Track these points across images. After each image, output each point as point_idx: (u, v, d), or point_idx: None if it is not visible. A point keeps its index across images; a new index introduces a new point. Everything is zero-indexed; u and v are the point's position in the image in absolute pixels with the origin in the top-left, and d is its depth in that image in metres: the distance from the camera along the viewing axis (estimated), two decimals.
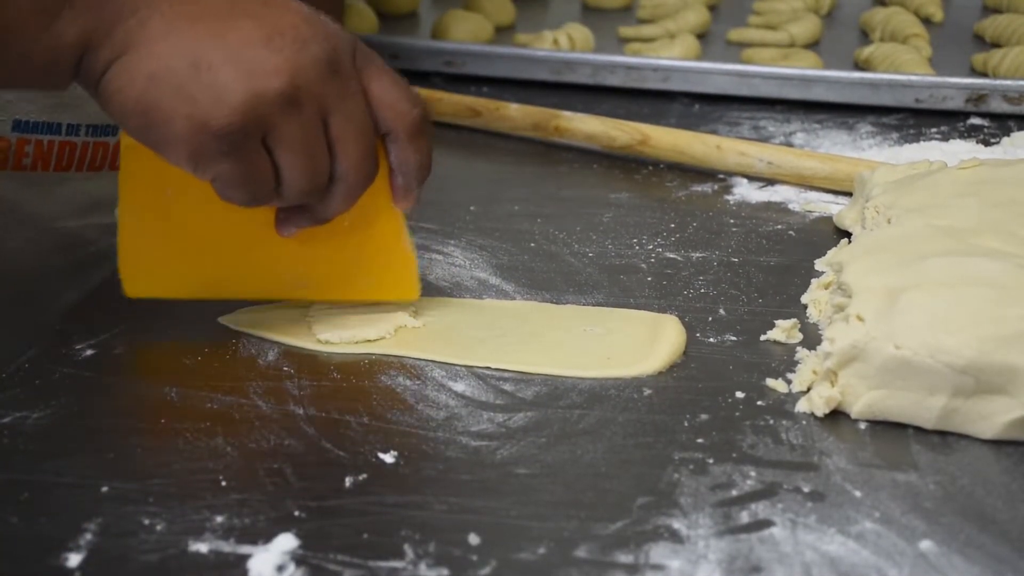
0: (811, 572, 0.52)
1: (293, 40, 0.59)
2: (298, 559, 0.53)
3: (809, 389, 0.65)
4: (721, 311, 0.74)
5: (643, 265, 0.80)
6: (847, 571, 0.52)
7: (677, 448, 0.60)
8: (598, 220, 0.87)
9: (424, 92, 1.08)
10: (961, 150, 0.99)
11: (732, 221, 0.87)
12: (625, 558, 0.53)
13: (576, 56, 1.17)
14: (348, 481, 0.58)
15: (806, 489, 0.57)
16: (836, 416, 0.63)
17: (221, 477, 0.58)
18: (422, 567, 0.52)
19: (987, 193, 0.74)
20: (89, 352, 0.69)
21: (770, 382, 0.66)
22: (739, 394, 0.65)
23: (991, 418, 0.60)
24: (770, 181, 0.94)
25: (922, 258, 0.66)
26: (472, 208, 0.90)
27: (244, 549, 0.53)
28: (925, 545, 0.53)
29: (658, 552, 0.53)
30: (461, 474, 0.59)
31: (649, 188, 0.95)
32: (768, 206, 0.90)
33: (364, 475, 0.58)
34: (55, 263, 0.79)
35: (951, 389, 0.60)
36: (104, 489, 0.57)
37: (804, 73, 1.11)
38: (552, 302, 0.75)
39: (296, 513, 0.56)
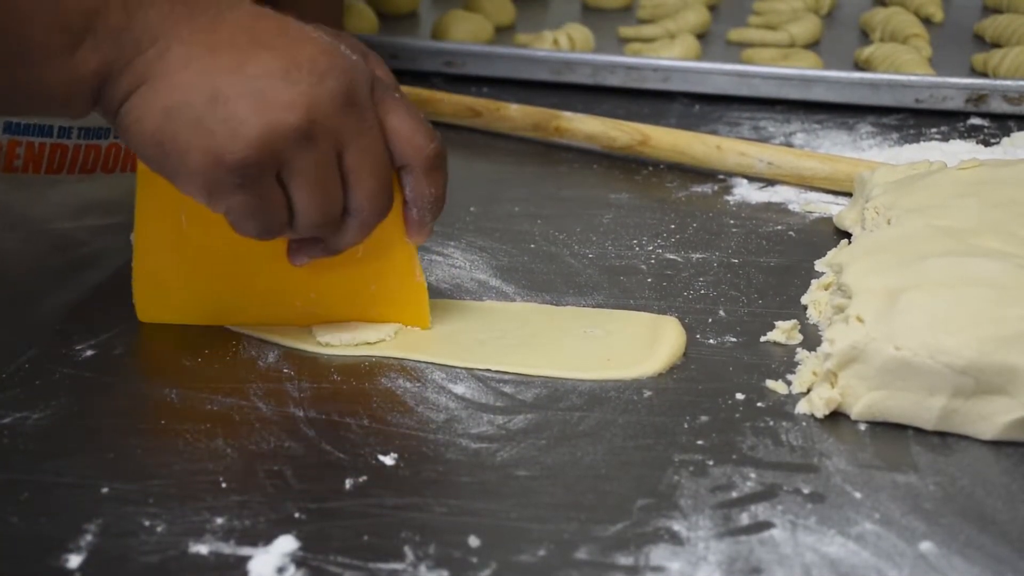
0: (811, 573, 0.52)
1: (310, 73, 0.59)
2: (298, 561, 0.53)
3: (809, 390, 0.65)
4: (721, 312, 0.74)
5: (643, 266, 0.80)
6: (847, 572, 0.52)
7: (677, 450, 0.60)
8: (598, 221, 0.87)
9: (424, 92, 1.09)
10: (961, 150, 0.99)
11: (732, 222, 0.87)
12: (625, 560, 0.53)
13: (576, 56, 1.17)
14: (348, 483, 0.58)
15: (806, 491, 0.57)
16: (836, 417, 0.63)
17: (221, 478, 0.58)
18: (422, 569, 0.52)
19: (987, 193, 0.74)
20: (89, 352, 0.69)
21: (770, 383, 0.66)
22: (739, 396, 0.65)
23: (991, 419, 0.60)
24: (770, 182, 0.94)
25: (922, 259, 0.66)
26: (472, 209, 0.90)
27: (244, 551, 0.53)
28: (925, 546, 0.53)
29: (658, 554, 0.53)
30: (461, 476, 0.59)
31: (649, 189, 0.95)
32: (768, 207, 0.90)
33: (364, 477, 0.58)
34: (48, 264, 0.79)
35: (951, 390, 0.60)
36: (104, 489, 0.57)
37: (804, 73, 1.11)
38: (552, 304, 0.75)
39: (296, 515, 0.56)
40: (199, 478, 0.58)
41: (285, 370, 0.68)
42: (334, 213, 0.62)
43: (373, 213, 0.63)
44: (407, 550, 0.53)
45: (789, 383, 0.66)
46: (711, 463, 0.59)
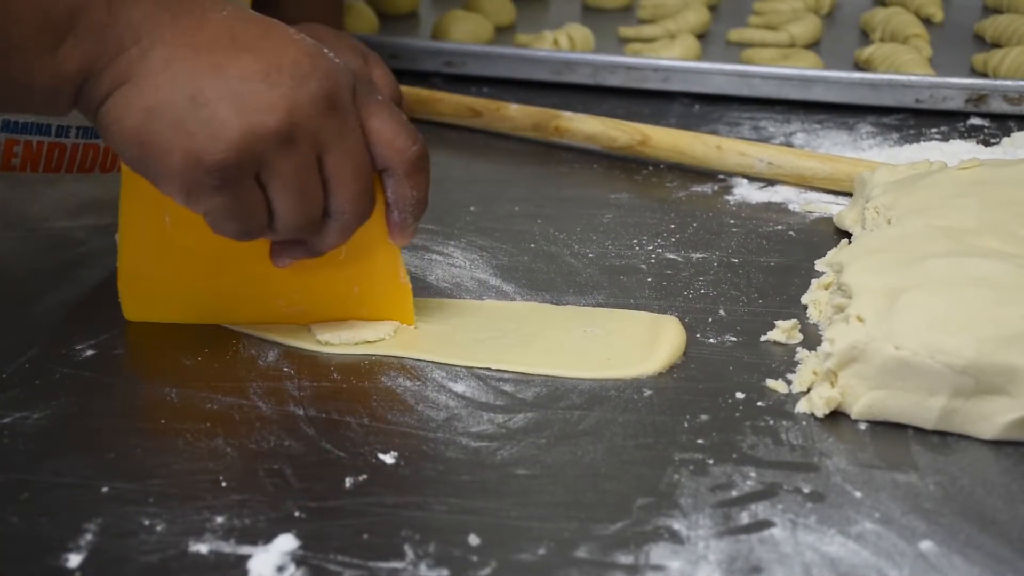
0: (811, 573, 0.52)
1: (291, 76, 0.59)
2: (298, 560, 0.53)
3: (809, 390, 0.65)
4: (721, 312, 0.74)
5: (643, 266, 0.80)
6: (847, 572, 0.52)
7: (677, 449, 0.60)
8: (598, 221, 0.87)
9: (424, 92, 1.09)
10: (961, 150, 0.99)
11: (732, 222, 0.87)
12: (625, 559, 0.53)
13: (576, 56, 1.17)
14: (348, 482, 0.58)
15: (806, 490, 0.57)
16: (836, 417, 0.63)
17: (221, 478, 0.58)
18: (422, 568, 0.52)
19: (987, 193, 0.74)
20: (89, 352, 0.69)
21: (770, 383, 0.66)
22: (739, 395, 0.65)
23: (991, 418, 0.60)
24: (770, 181, 0.94)
25: (922, 258, 0.66)
26: (472, 208, 0.90)
27: (244, 550, 0.53)
28: (925, 545, 0.53)
29: (658, 553, 0.53)
30: (461, 475, 0.59)
31: (649, 189, 0.95)
32: (768, 206, 0.90)
33: (364, 476, 0.58)
34: (46, 263, 0.79)
35: (951, 390, 0.60)
36: (104, 489, 0.57)
37: (804, 73, 1.11)
38: (552, 303, 0.75)
39: (296, 514, 0.56)
40: (199, 477, 0.58)
41: (285, 369, 0.68)
42: (314, 216, 0.62)
43: (354, 216, 0.63)
44: (407, 549, 0.53)
45: (789, 382, 0.66)
46: (711, 462, 0.59)
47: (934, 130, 1.05)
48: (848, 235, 0.83)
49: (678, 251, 0.82)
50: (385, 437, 0.62)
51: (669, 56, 1.19)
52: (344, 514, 0.56)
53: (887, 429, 0.62)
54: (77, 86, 0.59)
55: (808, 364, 0.66)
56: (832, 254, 0.79)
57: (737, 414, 0.63)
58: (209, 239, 0.63)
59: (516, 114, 1.04)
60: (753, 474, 0.58)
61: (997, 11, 1.36)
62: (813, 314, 0.73)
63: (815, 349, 0.68)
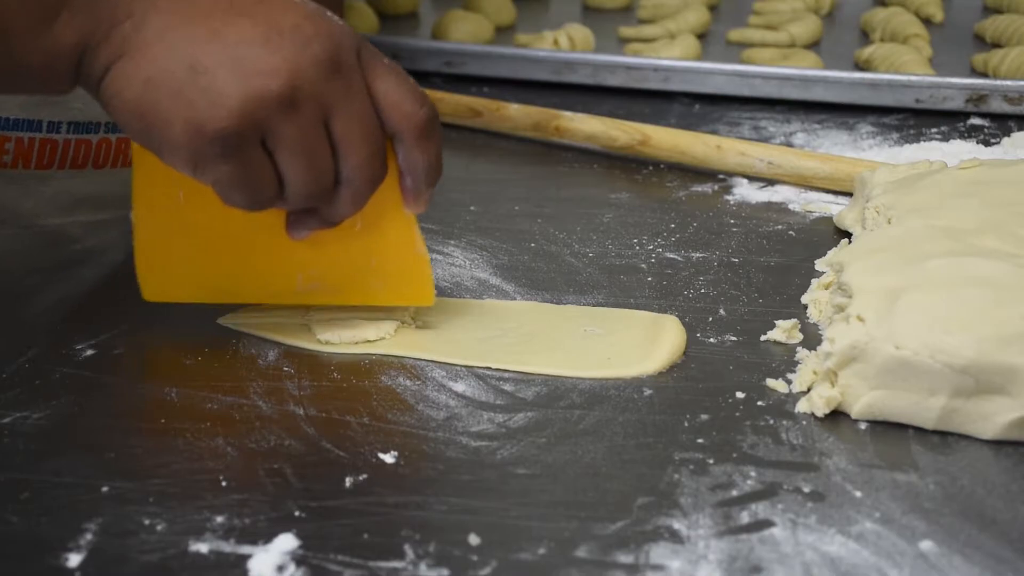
0: (811, 572, 0.52)
1: (292, 39, 0.58)
2: (298, 559, 0.53)
3: (809, 389, 0.65)
4: (721, 311, 0.74)
5: (643, 265, 0.80)
6: (847, 571, 0.52)
7: (677, 448, 0.60)
8: (598, 220, 0.87)
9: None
10: (961, 150, 0.99)
11: (732, 221, 0.87)
12: (625, 558, 0.53)
13: (576, 56, 1.17)
14: (348, 481, 0.58)
15: (806, 489, 0.57)
16: (836, 416, 0.63)
17: (221, 477, 0.58)
18: (422, 567, 0.52)
19: (987, 193, 0.74)
20: (89, 352, 0.69)
21: (770, 382, 0.66)
22: (739, 394, 0.65)
23: (991, 418, 0.60)
24: (770, 181, 0.94)
25: (922, 258, 0.66)
26: (472, 208, 0.90)
27: (244, 549, 0.53)
28: (925, 545, 0.53)
29: (658, 552, 0.53)
30: (461, 474, 0.59)
31: (649, 188, 0.95)
32: (768, 206, 0.90)
33: (364, 475, 0.58)
34: (42, 261, 0.79)
35: (951, 389, 0.60)
36: (104, 489, 0.57)
37: (804, 73, 1.11)
38: (552, 302, 0.75)
39: (296, 513, 0.56)
40: (199, 477, 0.58)
41: (285, 368, 0.68)
42: (325, 182, 0.61)
43: (366, 182, 0.62)
44: (407, 548, 0.53)
45: (789, 382, 0.66)
46: (711, 461, 0.59)
47: (934, 130, 1.05)
48: (848, 235, 0.83)
49: (678, 251, 0.82)
50: (385, 436, 0.61)
51: (669, 56, 1.19)
52: (344, 514, 0.56)
53: (887, 429, 0.62)
54: (74, 62, 0.59)
55: (808, 364, 0.66)
56: (832, 254, 0.79)
57: (737, 414, 0.63)
58: (224, 214, 0.63)
59: (516, 114, 1.04)
60: (753, 474, 0.58)
61: (997, 11, 1.36)
62: (813, 314, 0.73)
63: (815, 349, 0.68)
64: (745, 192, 0.93)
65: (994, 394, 0.60)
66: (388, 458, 0.60)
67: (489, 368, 0.68)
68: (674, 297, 0.76)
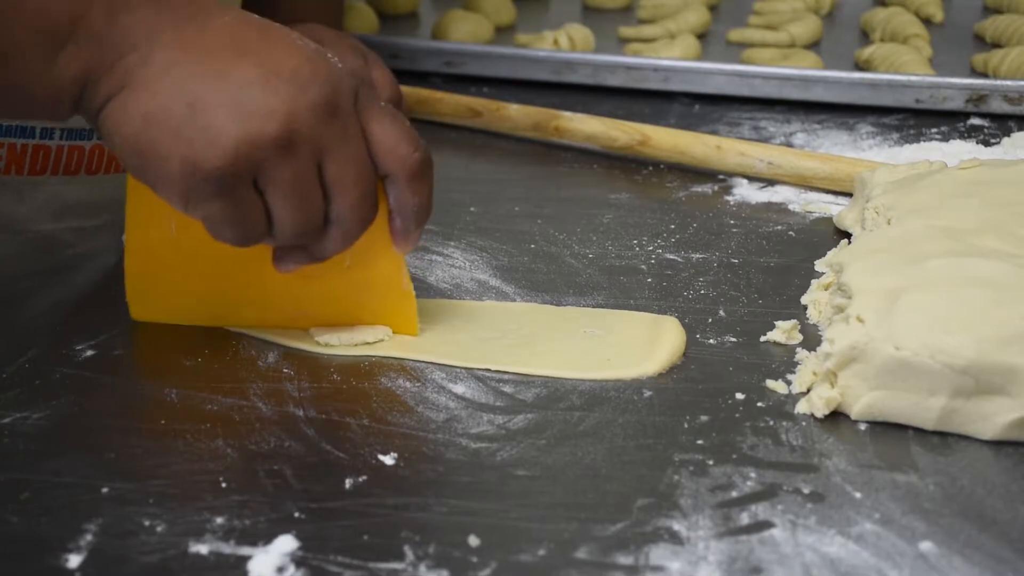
0: (811, 573, 0.52)
1: (291, 82, 0.58)
2: (298, 560, 0.53)
3: (809, 390, 0.65)
4: (721, 312, 0.74)
5: (643, 266, 0.80)
6: (847, 572, 0.52)
7: (677, 449, 0.60)
8: (598, 221, 0.87)
9: (424, 92, 1.09)
10: (961, 150, 0.99)
11: (732, 222, 0.87)
12: (625, 559, 0.53)
13: (576, 56, 1.17)
14: (348, 483, 0.58)
15: (806, 490, 0.57)
16: (836, 417, 0.63)
17: (221, 478, 0.58)
18: (422, 569, 0.52)
19: (987, 193, 0.74)
20: (89, 352, 0.70)
21: (770, 383, 0.66)
22: (739, 395, 0.65)
23: (991, 419, 0.61)
24: (770, 182, 0.94)
25: (922, 259, 0.66)
26: (472, 208, 0.90)
27: (244, 550, 0.53)
28: (925, 546, 0.53)
29: (658, 553, 0.53)
30: (461, 476, 0.59)
31: (649, 189, 0.95)
32: (768, 207, 0.90)
33: (364, 477, 0.58)
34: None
35: (951, 390, 0.60)
36: (104, 489, 0.57)
37: (804, 73, 1.11)
38: (552, 304, 0.75)
39: (296, 515, 0.56)
40: (199, 478, 0.58)
41: (285, 370, 0.68)
42: (314, 222, 0.62)
43: (356, 223, 0.63)
44: (407, 550, 0.53)
45: (789, 383, 0.66)
46: (711, 463, 0.59)
47: (934, 130, 1.05)
48: (848, 235, 0.83)
49: (678, 251, 0.82)
50: (385, 438, 0.62)
51: (669, 56, 1.19)
52: (344, 515, 0.56)
53: (887, 429, 0.62)
54: (77, 93, 0.59)
55: (808, 364, 0.66)
56: (832, 254, 0.79)
57: (737, 415, 0.63)
58: (214, 245, 0.63)
59: (516, 114, 1.04)
60: (753, 475, 0.58)
61: (997, 11, 1.36)
62: (813, 314, 0.73)
63: (815, 349, 0.68)
64: (745, 192, 0.93)
65: (994, 394, 0.60)
66: (388, 460, 0.60)
67: (489, 370, 0.68)
68: (674, 298, 0.76)
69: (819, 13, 1.38)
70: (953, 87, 1.07)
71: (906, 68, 1.13)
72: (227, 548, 0.54)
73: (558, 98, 1.12)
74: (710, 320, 0.73)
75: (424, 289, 0.77)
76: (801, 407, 0.63)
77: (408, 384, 0.67)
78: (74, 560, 0.53)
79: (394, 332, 0.71)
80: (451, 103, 1.07)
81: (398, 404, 0.65)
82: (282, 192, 0.60)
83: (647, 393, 0.65)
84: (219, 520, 0.55)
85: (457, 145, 1.05)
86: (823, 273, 0.77)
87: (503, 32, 1.33)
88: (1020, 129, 1.04)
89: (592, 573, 0.52)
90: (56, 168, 0.80)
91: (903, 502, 0.56)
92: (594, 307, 0.75)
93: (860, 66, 1.19)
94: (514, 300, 0.76)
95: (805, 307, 0.74)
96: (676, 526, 0.55)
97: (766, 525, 0.55)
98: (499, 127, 1.05)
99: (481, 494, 0.57)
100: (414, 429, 0.62)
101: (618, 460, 0.60)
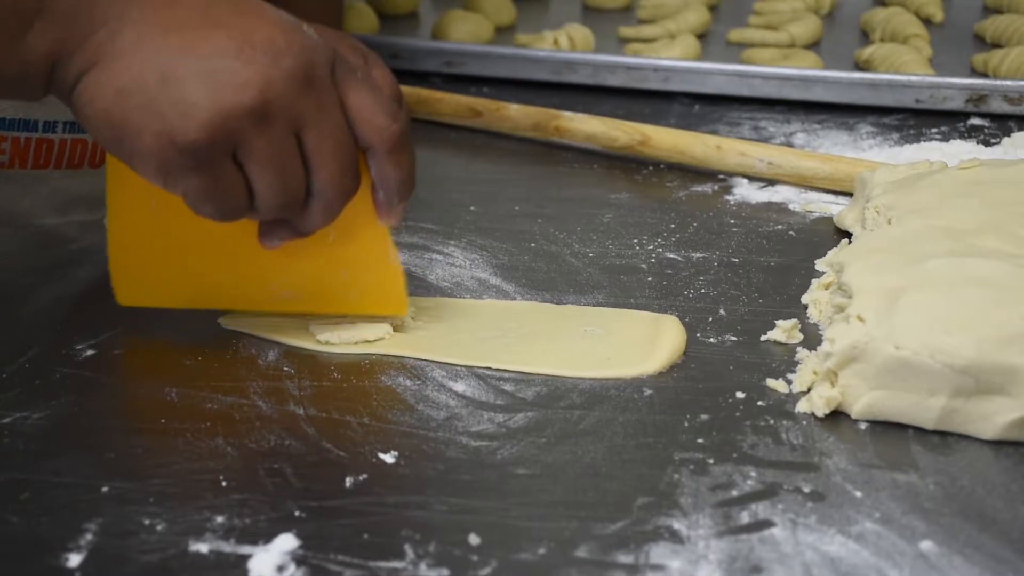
0: (811, 572, 0.52)
1: (265, 52, 0.58)
2: (298, 559, 0.53)
3: (809, 389, 0.65)
4: (721, 311, 0.74)
5: (643, 265, 0.80)
6: (847, 571, 0.52)
7: (677, 448, 0.60)
8: (598, 220, 0.87)
9: (424, 92, 1.09)
10: (961, 150, 0.99)
11: (732, 221, 0.87)
12: (625, 558, 0.53)
13: (576, 56, 1.17)
14: (348, 481, 0.58)
15: (806, 489, 0.57)
16: (836, 416, 0.63)
17: (221, 477, 0.58)
18: (422, 567, 0.52)
19: (987, 193, 0.74)
20: (89, 352, 0.69)
21: (770, 382, 0.66)
22: (739, 394, 0.65)
23: (991, 418, 0.61)
24: (770, 181, 0.94)
25: (922, 259, 0.66)
26: (472, 208, 0.90)
27: (244, 549, 0.53)
28: (925, 545, 0.53)
29: (658, 552, 0.53)
30: (461, 474, 0.59)
31: (649, 188, 0.95)
32: (768, 206, 0.90)
33: (364, 475, 0.58)
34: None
35: (951, 390, 0.60)
36: (104, 489, 0.57)
37: (804, 73, 1.11)
38: (552, 302, 0.75)
39: (296, 513, 0.56)
40: (199, 477, 0.58)
41: (285, 368, 0.68)
42: (295, 195, 0.61)
43: (337, 195, 0.62)
44: (407, 548, 0.53)
45: (789, 382, 0.66)
46: (711, 462, 0.59)
47: (934, 130, 1.05)
48: (848, 235, 0.83)
49: (678, 251, 0.82)
50: (385, 436, 0.62)
51: (669, 56, 1.19)
52: (344, 514, 0.56)
53: (887, 429, 0.62)
54: (47, 71, 0.59)
55: (808, 364, 0.66)
56: (832, 254, 0.79)
57: (737, 414, 0.63)
58: (196, 222, 0.63)
59: (516, 114, 1.04)
60: (753, 474, 0.58)
61: (997, 11, 1.36)
62: (813, 314, 0.73)
63: (815, 349, 0.68)
64: (745, 192, 0.93)
65: (994, 394, 0.60)
66: (388, 458, 0.60)
67: (489, 368, 0.68)
68: (674, 297, 0.76)
69: (819, 13, 1.37)
70: (953, 87, 1.07)
71: (906, 68, 1.13)
72: (227, 547, 0.54)
73: (558, 98, 1.12)
74: (710, 319, 0.73)
75: (424, 287, 0.77)
76: (801, 406, 0.63)
77: (408, 382, 0.67)
78: (74, 560, 0.53)
79: (383, 311, 0.71)
80: (451, 103, 1.07)
81: (398, 402, 0.65)
82: (260, 164, 0.59)
83: (647, 392, 0.65)
84: (219, 519, 0.55)
85: (457, 145, 1.05)
86: (823, 272, 0.77)
87: (503, 32, 1.33)
88: (1020, 129, 1.04)
89: (592, 572, 0.52)
90: (59, 162, 0.80)
91: (903, 501, 0.56)
92: (594, 306, 0.75)
93: (860, 66, 1.19)
94: (515, 299, 0.76)
95: (805, 306, 0.74)
96: (676, 525, 0.55)
97: (766, 524, 0.55)
98: (499, 127, 1.05)
99: (481, 492, 0.57)
100: (414, 427, 0.62)
101: (618, 459, 0.60)
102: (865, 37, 1.31)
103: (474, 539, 0.54)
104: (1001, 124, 1.05)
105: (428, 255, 0.82)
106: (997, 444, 0.61)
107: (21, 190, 0.80)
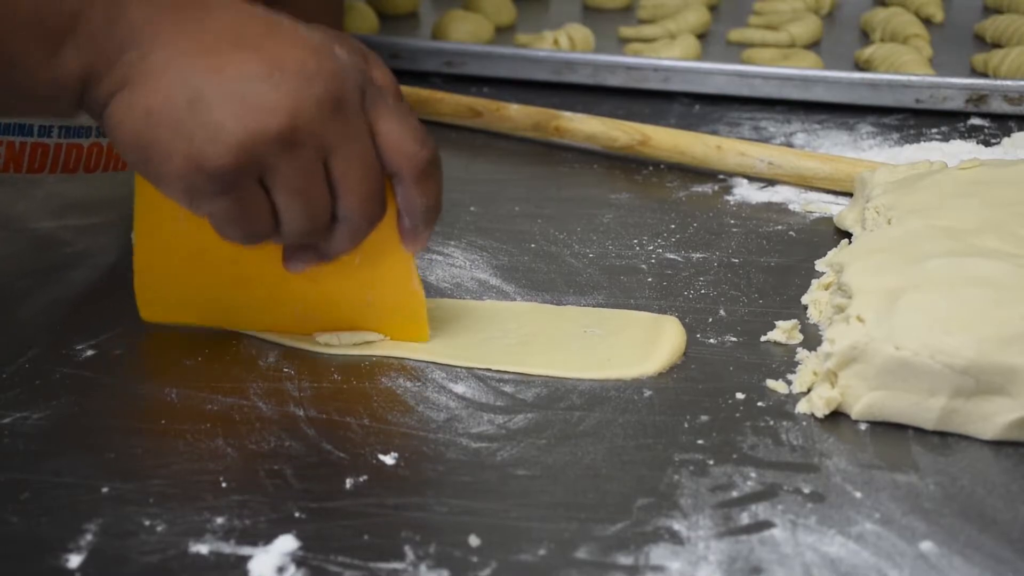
0: (811, 573, 0.52)
1: (296, 75, 0.57)
2: (298, 560, 0.53)
3: (809, 390, 0.65)
4: (721, 312, 0.74)
5: (643, 266, 0.80)
6: (847, 572, 0.52)
7: (677, 449, 0.60)
8: (598, 221, 0.87)
9: (424, 92, 1.09)
10: (961, 150, 0.99)
11: (732, 222, 0.87)
12: (625, 559, 0.53)
13: (576, 56, 1.17)
14: (348, 482, 0.58)
15: (806, 490, 0.57)
16: (836, 417, 0.63)
17: (221, 478, 0.58)
18: (422, 568, 0.52)
19: (987, 193, 0.74)
20: (89, 352, 0.69)
21: (770, 383, 0.66)
22: (739, 395, 0.65)
23: (991, 419, 0.61)
24: (770, 182, 0.94)
25: (922, 259, 0.66)
26: (472, 208, 0.90)
27: (244, 550, 0.53)
28: (925, 546, 0.53)
29: (658, 553, 0.53)
30: (461, 475, 0.59)
31: (649, 189, 0.95)
32: (768, 207, 0.90)
33: (364, 476, 0.58)
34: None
35: (951, 390, 0.60)
36: (104, 489, 0.58)
37: (804, 73, 1.11)
38: (552, 303, 0.75)
39: (296, 514, 0.56)
40: (199, 478, 0.58)
41: (285, 369, 0.68)
42: (320, 220, 0.61)
43: (363, 221, 0.62)
44: (407, 549, 0.53)
45: (789, 383, 0.66)
46: (711, 462, 0.59)
47: (934, 130, 1.05)
48: (848, 235, 0.83)
49: (678, 251, 0.82)
50: (385, 438, 0.62)
51: (669, 56, 1.19)
52: (344, 515, 0.56)
53: (887, 429, 0.62)
54: (79, 91, 0.59)
55: (808, 364, 0.66)
56: (832, 254, 0.79)
57: (737, 414, 0.63)
58: (221, 243, 0.63)
59: (516, 114, 1.04)
60: (753, 474, 0.58)
61: (997, 11, 1.36)
62: (813, 314, 0.73)
63: (815, 349, 0.68)
64: (745, 192, 0.93)
65: (994, 394, 0.60)
66: (388, 459, 0.60)
67: (489, 369, 0.68)
68: (674, 298, 0.76)
69: (819, 13, 1.37)
70: (953, 87, 1.07)
71: (906, 68, 1.13)
72: (227, 548, 0.54)
73: (558, 98, 1.12)
74: (710, 320, 0.73)
75: (424, 288, 0.77)
76: (801, 407, 0.63)
77: (408, 384, 0.67)
78: (74, 560, 0.53)
79: (404, 338, 0.70)
80: (451, 103, 1.07)
81: (398, 404, 0.65)
82: (287, 189, 0.59)
83: (647, 393, 0.65)
84: (219, 520, 0.55)
85: (457, 145, 1.05)
86: (823, 273, 0.77)
87: (503, 32, 1.33)
88: (1020, 129, 1.04)
89: (592, 573, 0.52)
90: (55, 166, 0.80)
91: (903, 502, 0.56)
92: (594, 307, 0.75)
93: (860, 66, 1.19)
94: (514, 299, 0.76)
95: (805, 307, 0.74)
96: (676, 526, 0.55)
97: (766, 525, 0.55)
98: (499, 127, 1.05)
99: (481, 494, 0.57)
100: (414, 429, 0.62)
101: (618, 460, 0.60)
102: (865, 37, 1.31)
103: (474, 540, 0.54)
104: (1001, 124, 1.05)
105: (428, 256, 0.81)
106: (997, 444, 0.61)
107: (16, 194, 0.80)
